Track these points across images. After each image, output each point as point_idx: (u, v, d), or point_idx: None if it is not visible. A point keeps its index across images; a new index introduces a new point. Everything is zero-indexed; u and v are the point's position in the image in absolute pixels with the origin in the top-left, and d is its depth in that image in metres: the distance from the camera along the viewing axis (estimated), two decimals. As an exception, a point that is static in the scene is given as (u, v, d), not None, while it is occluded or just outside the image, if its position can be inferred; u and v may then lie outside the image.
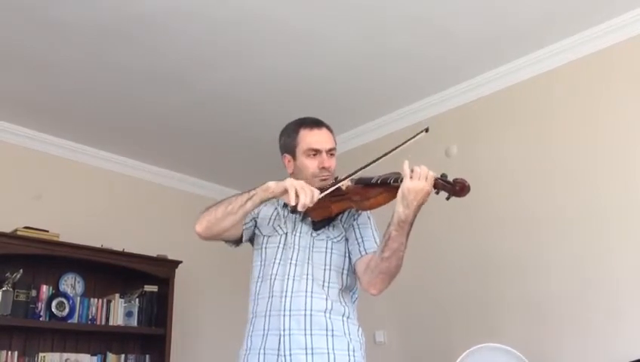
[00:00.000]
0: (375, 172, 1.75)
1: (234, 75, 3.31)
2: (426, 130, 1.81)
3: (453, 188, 1.55)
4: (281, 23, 2.86)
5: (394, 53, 3.14)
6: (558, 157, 3.00)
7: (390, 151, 1.77)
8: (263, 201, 1.80)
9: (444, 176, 1.59)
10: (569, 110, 3.02)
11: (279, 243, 1.89)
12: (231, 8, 2.74)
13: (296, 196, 1.66)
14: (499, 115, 3.32)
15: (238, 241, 2.00)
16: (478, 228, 3.23)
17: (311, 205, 1.68)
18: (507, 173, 3.19)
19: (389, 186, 1.67)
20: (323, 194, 1.74)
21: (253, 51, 3.09)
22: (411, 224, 1.64)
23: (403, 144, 1.77)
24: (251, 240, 2.00)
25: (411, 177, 1.59)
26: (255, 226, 1.97)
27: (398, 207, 1.62)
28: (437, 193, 1.60)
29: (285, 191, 1.71)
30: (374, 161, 1.76)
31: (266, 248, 1.92)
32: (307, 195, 1.66)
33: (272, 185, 1.76)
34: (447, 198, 1.58)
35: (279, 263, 1.85)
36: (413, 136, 1.79)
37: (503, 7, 2.78)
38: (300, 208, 1.67)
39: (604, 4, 2.78)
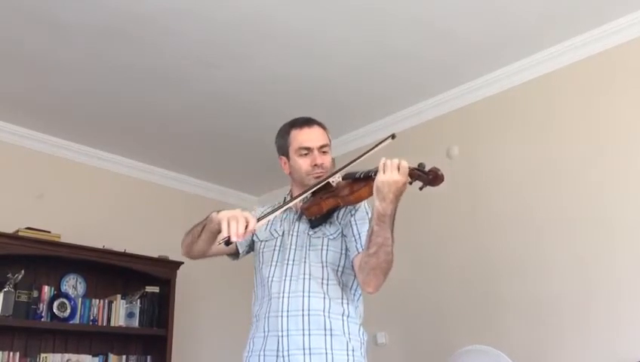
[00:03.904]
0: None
1: (234, 75, 3.31)
2: (393, 137, 1.79)
3: (426, 177, 1.51)
4: (281, 23, 2.86)
5: (395, 55, 3.13)
6: (558, 158, 3.00)
7: (360, 157, 1.76)
8: (213, 232, 1.75)
9: (421, 165, 1.56)
10: (569, 111, 3.02)
11: (275, 245, 1.89)
12: (231, 8, 2.74)
13: (228, 226, 1.57)
14: (500, 116, 3.31)
15: (235, 255, 2.03)
16: (478, 229, 3.22)
17: (248, 234, 1.61)
18: (508, 174, 3.18)
19: (370, 179, 1.65)
20: (275, 214, 1.74)
21: (253, 51, 3.08)
22: (392, 217, 1.61)
23: (371, 150, 1.76)
24: (253, 248, 2.01)
25: (384, 171, 1.57)
26: (251, 236, 1.96)
27: (375, 201, 1.60)
28: (411, 183, 1.56)
29: (219, 223, 1.63)
30: (353, 161, 1.77)
31: (263, 252, 1.93)
32: (240, 224, 1.57)
33: (213, 216, 1.71)
34: (421, 188, 1.54)
35: (276, 265, 1.86)
36: (381, 142, 1.77)
37: (503, 9, 2.77)
38: (233, 238, 1.57)
39: (603, 7, 2.78)
